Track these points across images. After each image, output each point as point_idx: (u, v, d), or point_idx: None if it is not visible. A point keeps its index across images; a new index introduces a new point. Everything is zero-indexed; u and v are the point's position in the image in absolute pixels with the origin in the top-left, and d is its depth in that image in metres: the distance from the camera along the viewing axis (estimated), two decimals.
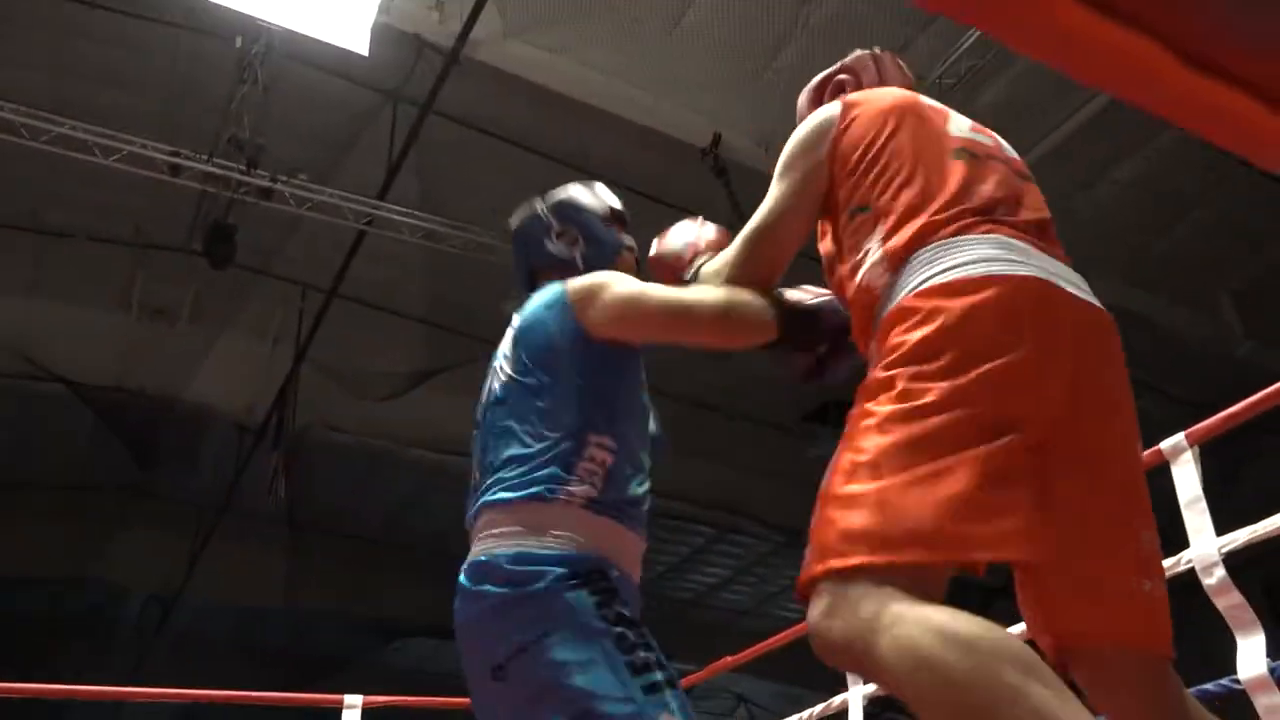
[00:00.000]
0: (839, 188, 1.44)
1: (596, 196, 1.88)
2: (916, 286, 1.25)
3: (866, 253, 1.35)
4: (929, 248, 1.28)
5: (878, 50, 1.78)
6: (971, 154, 1.41)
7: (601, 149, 5.98)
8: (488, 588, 1.43)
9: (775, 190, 1.52)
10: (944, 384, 1.13)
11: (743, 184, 5.96)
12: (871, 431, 1.15)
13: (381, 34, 5.00)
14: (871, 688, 3.00)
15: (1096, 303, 1.29)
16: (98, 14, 5.10)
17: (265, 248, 6.29)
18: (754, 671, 10.55)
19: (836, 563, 1.08)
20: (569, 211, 1.83)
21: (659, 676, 1.34)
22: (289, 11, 4.38)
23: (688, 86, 5.66)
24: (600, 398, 1.56)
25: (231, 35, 4.76)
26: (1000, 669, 0.96)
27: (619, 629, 1.37)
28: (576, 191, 1.88)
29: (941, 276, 1.23)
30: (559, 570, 1.41)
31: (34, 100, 5.14)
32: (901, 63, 1.77)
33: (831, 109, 1.51)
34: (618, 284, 1.61)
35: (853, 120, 1.47)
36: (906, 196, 1.35)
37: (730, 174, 5.89)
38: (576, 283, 1.63)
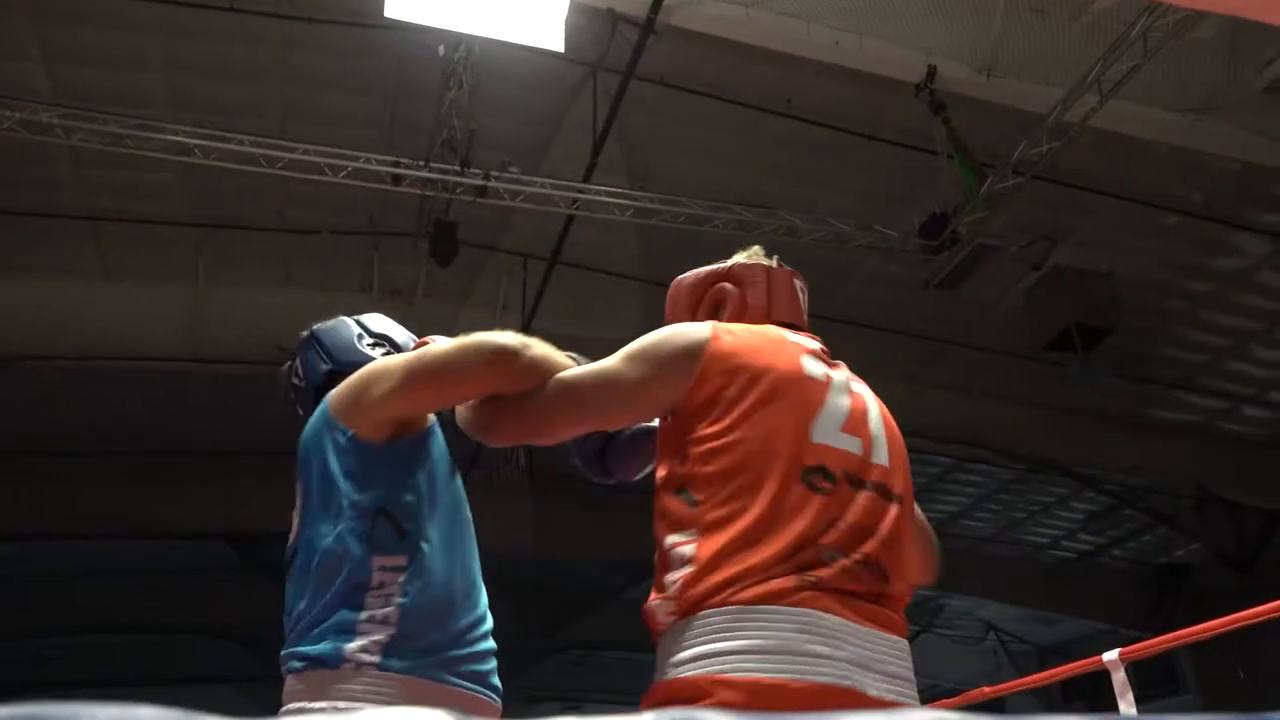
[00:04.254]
0: (686, 430, 1.24)
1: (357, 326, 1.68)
2: (687, 666, 1.10)
3: (675, 566, 1.18)
4: (723, 611, 1.11)
5: (773, 262, 1.49)
6: (826, 475, 1.21)
7: (809, 95, 5.74)
8: None
9: (616, 365, 1.30)
10: None
11: (963, 115, 5.57)
12: None
13: (576, 13, 4.96)
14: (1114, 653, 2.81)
15: (901, 696, 1.12)
16: (315, 28, 5.33)
17: (488, 228, 6.51)
18: (1001, 596, 10.31)
19: None
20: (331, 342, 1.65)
21: None
22: (485, 21, 4.41)
23: (895, 20, 5.29)
24: (384, 509, 1.35)
25: (435, 45, 4.85)
26: None
27: None
28: (338, 324, 1.69)
29: (717, 665, 1.08)
30: None
31: (264, 120, 5.51)
32: (800, 284, 1.49)
33: (701, 330, 1.29)
34: (380, 367, 1.44)
35: (718, 360, 1.25)
36: (733, 522, 1.16)
37: (949, 107, 5.51)
38: (335, 391, 1.47)
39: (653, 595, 1.21)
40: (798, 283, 1.49)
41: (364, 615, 1.30)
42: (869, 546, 1.18)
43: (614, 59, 5.31)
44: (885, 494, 1.24)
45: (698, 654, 1.10)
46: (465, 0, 4.28)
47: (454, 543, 1.46)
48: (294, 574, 1.43)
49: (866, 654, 1.12)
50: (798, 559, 1.13)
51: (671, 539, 1.20)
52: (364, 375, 1.45)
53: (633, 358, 1.28)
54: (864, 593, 1.16)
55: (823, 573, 1.14)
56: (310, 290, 7.35)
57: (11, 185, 5.97)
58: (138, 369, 7.51)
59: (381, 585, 1.33)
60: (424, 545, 1.38)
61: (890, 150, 6.06)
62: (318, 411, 1.50)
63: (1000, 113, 5.63)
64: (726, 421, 1.22)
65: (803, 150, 6.02)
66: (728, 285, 1.44)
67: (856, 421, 1.28)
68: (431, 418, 1.53)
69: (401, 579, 1.34)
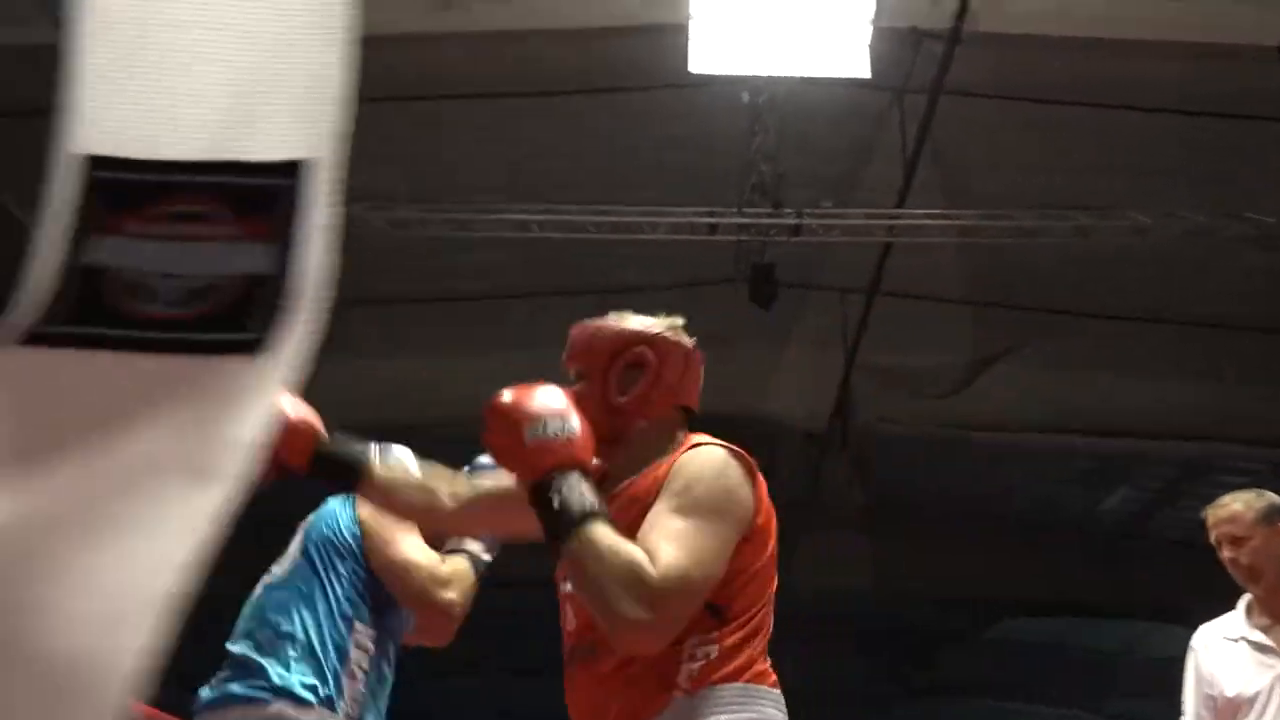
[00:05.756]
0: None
1: None
2: None
3: (703, 650, 1.42)
4: (736, 685, 1.43)
5: (690, 342, 1.64)
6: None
7: (1141, 80, 5.21)
8: None
9: (707, 529, 1.43)
10: None
11: None
12: None
13: (878, 37, 4.85)
14: None
15: None
16: (621, 96, 5.62)
17: (803, 266, 6.47)
18: None
19: None
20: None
21: None
22: (789, 61, 4.42)
23: None
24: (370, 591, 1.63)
25: (738, 92, 4.95)
26: None
27: None
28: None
29: None
30: None
31: (585, 190, 5.85)
32: (702, 369, 1.65)
33: (746, 482, 1.49)
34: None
35: (764, 515, 1.50)
36: (746, 627, 1.45)
37: None
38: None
39: (678, 656, 1.43)
40: (701, 370, 1.64)
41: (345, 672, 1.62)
42: None
43: (918, 78, 5.13)
44: None
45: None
46: (768, 44, 4.32)
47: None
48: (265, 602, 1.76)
49: None
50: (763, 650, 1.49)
51: (694, 638, 1.43)
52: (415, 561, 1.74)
53: (715, 516, 1.44)
54: None
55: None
56: None
57: (376, 275, 6.79)
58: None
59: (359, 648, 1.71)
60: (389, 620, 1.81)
61: (1250, 126, 5.35)
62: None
63: None
64: (763, 559, 1.49)
65: (1143, 141, 5.46)
66: (649, 351, 1.57)
67: None
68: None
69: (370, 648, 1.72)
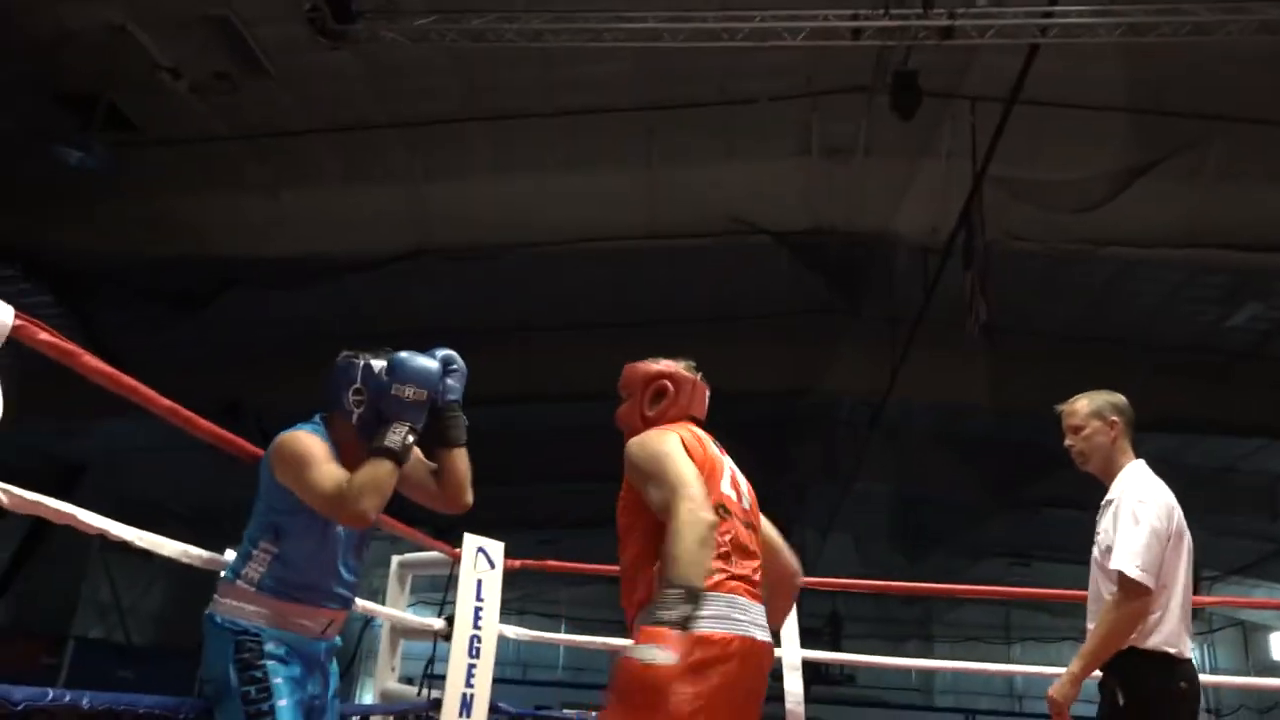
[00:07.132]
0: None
1: (412, 374, 2.07)
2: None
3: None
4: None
5: (698, 376, 2.27)
6: (727, 511, 2.06)
7: None
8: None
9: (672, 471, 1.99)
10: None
11: None
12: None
13: None
14: None
15: (768, 638, 2.05)
16: None
17: (934, 74, 6.07)
18: None
19: None
20: (372, 378, 2.13)
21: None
22: None
23: None
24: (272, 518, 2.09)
25: None
26: None
27: (245, 686, 1.98)
28: (402, 364, 2.08)
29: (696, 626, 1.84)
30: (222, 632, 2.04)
31: None
32: (707, 390, 2.28)
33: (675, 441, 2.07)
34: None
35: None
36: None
37: None
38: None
39: (638, 571, 2.03)
40: (706, 391, 2.28)
41: (248, 565, 2.12)
42: (750, 566, 2.05)
43: None
44: (750, 525, 2.13)
45: (679, 613, 1.81)
46: None
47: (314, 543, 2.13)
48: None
49: (757, 619, 2.01)
50: (727, 570, 1.99)
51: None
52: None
53: (660, 473, 2.01)
54: (750, 578, 2.03)
55: (740, 576, 2.02)
56: (752, 161, 7.41)
57: (492, 91, 6.55)
58: (600, 249, 8.11)
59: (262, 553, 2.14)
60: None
61: None
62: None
63: None
64: None
65: None
66: (668, 383, 2.24)
67: (736, 479, 2.16)
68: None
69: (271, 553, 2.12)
